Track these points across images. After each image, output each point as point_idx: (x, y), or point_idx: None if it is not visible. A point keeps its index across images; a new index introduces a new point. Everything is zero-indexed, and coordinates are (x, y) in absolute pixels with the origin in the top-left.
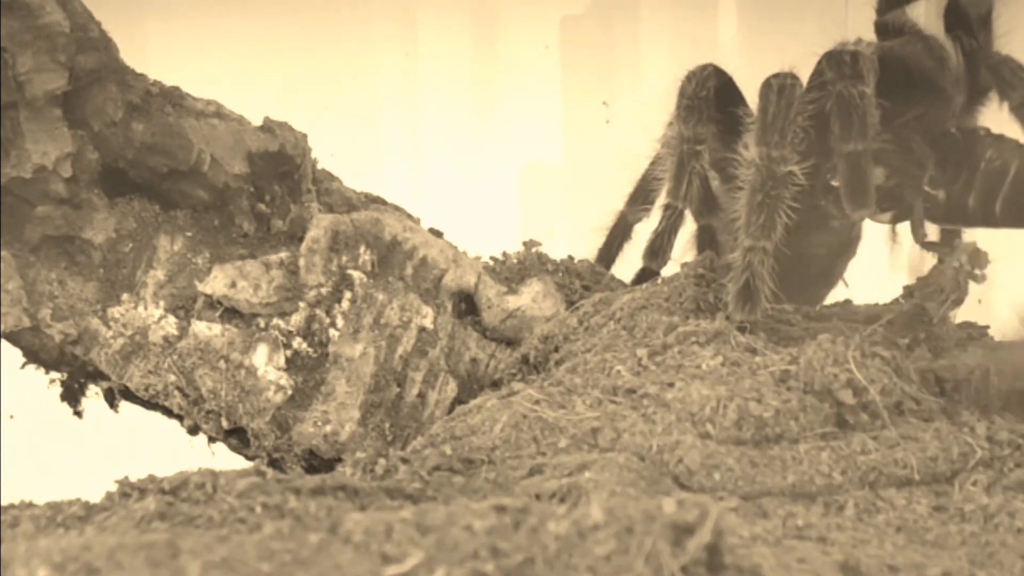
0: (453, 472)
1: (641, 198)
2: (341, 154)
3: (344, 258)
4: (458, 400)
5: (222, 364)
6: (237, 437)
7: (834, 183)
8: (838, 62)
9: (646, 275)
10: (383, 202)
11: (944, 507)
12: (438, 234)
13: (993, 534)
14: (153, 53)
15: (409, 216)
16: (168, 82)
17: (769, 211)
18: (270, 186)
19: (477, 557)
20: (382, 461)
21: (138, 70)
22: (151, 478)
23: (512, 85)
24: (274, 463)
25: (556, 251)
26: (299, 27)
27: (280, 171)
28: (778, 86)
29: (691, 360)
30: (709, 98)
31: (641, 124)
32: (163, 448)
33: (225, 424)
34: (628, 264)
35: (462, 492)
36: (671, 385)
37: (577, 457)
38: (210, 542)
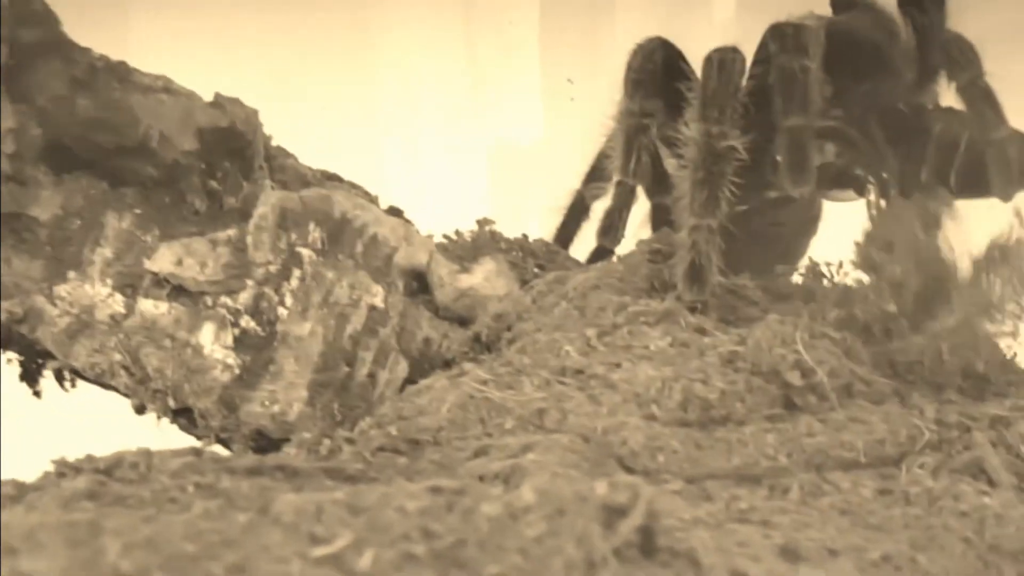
0: (398, 453)
1: (596, 175)
2: (301, 134)
3: (293, 235)
4: (410, 380)
5: (168, 343)
6: (185, 417)
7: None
8: (781, 35)
9: (600, 254)
10: (339, 179)
11: (890, 490)
12: (397, 212)
13: (937, 517)
14: (151, 53)
15: (367, 194)
16: None
17: (712, 188)
18: (221, 163)
19: (408, 539)
20: (327, 442)
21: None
22: (89, 458)
23: (489, 68)
24: (222, 443)
25: (531, 231)
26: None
27: (231, 147)
28: (719, 60)
29: (640, 340)
30: (656, 72)
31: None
32: (143, 431)
33: (172, 404)
34: (589, 243)
35: (405, 473)
36: (618, 366)
37: (522, 438)
38: (135, 522)
